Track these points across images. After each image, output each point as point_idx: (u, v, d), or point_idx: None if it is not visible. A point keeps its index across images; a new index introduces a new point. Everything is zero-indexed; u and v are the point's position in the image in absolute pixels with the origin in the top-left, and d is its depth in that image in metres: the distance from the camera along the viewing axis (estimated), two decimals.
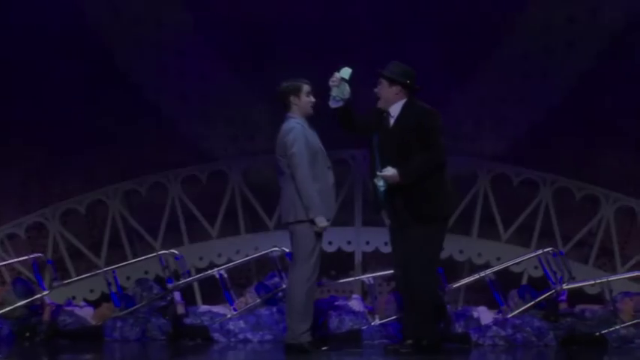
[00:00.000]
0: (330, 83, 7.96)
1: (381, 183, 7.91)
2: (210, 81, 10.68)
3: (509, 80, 10.68)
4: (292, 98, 8.05)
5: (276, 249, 9.47)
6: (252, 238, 10.44)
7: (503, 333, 8.88)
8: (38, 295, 9.38)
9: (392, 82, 7.98)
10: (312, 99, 8.07)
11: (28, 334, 9.12)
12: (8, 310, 9.22)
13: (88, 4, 10.63)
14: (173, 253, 9.68)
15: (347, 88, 7.95)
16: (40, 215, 10.51)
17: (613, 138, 10.58)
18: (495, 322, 9.00)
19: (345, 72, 7.93)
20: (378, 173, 7.91)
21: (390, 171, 7.86)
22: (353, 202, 10.34)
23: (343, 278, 10.15)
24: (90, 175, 10.71)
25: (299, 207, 7.92)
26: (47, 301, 9.44)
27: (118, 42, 10.64)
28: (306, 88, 8.06)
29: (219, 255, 10.42)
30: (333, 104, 7.97)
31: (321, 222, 7.89)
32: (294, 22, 10.49)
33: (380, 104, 8.04)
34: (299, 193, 7.89)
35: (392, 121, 8.00)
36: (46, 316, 9.26)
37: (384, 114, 8.04)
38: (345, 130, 8.13)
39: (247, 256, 10.07)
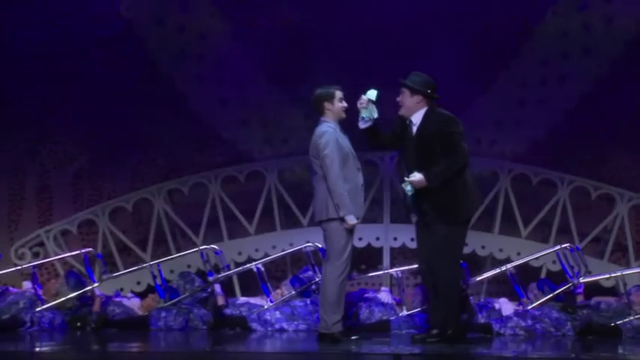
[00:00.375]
0: (359, 105, 7.99)
1: (408, 187, 7.93)
2: (248, 88, 10.70)
3: (529, 85, 10.64)
4: (326, 104, 8.09)
5: (310, 244, 9.52)
6: (287, 234, 10.43)
7: (523, 323, 8.90)
8: (89, 287, 9.48)
9: (413, 91, 8.00)
10: (344, 104, 8.10)
11: (79, 324, 9.16)
12: (61, 301, 9.30)
13: (135, 17, 10.68)
14: (213, 248, 9.76)
15: (374, 108, 7.98)
16: (90, 213, 10.55)
17: (627, 139, 10.54)
18: (516, 313, 9.01)
19: (372, 94, 7.96)
20: (406, 179, 7.95)
21: (416, 176, 7.90)
22: (382, 201, 10.28)
23: (372, 272, 10.14)
24: (136, 176, 10.77)
25: (331, 206, 7.96)
26: (97, 292, 9.54)
27: (163, 52, 10.69)
28: (338, 94, 8.10)
29: (257, 250, 10.41)
30: (362, 125, 8.01)
31: (351, 220, 7.95)
32: (326, 34, 10.50)
33: (402, 112, 8.06)
34: (330, 192, 7.97)
35: (414, 128, 8.04)
36: (96, 307, 9.34)
37: (406, 122, 8.09)
38: (374, 147, 8.19)
39: (283, 251, 10.09)
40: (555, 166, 10.50)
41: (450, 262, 7.98)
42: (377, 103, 7.99)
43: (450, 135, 7.94)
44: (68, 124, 10.70)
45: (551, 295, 9.21)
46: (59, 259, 10.22)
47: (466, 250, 9.54)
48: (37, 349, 7.77)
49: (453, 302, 8.01)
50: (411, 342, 8.09)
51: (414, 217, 8.18)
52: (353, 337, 8.17)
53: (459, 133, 7.97)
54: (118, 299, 9.54)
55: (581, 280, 9.27)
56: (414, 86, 7.99)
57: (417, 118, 8.04)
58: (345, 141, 8.06)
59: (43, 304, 9.30)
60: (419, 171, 7.91)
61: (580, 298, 9.41)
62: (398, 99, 8.06)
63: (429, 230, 8.01)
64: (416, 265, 9.12)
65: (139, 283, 10.32)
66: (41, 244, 10.46)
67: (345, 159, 8.00)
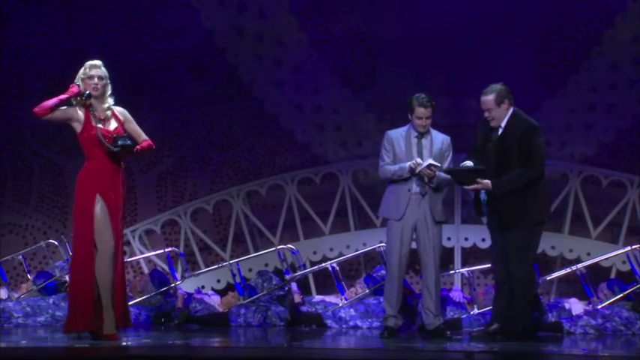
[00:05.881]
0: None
1: (483, 194, 7.89)
2: (323, 93, 10.69)
3: (598, 90, 10.46)
4: (409, 113, 8.12)
5: (383, 244, 9.35)
6: (360, 234, 10.37)
7: (593, 322, 8.78)
8: (172, 285, 9.53)
9: (498, 101, 7.92)
10: (421, 122, 8.03)
11: (163, 320, 9.23)
12: (146, 298, 9.40)
13: (215, 27, 10.74)
14: (290, 247, 9.78)
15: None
16: (173, 213, 10.58)
17: None
18: (586, 312, 8.89)
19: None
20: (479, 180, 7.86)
21: (484, 182, 7.83)
22: (453, 203, 10.18)
23: (444, 272, 9.98)
24: (216, 178, 10.81)
25: (390, 205, 8.05)
26: (180, 290, 9.58)
27: (242, 60, 10.72)
28: (418, 111, 8.01)
29: (331, 249, 10.36)
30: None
31: (414, 164, 7.99)
32: (394, 41, 10.46)
33: (494, 124, 7.95)
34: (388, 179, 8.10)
35: (500, 130, 7.97)
36: (179, 304, 9.38)
37: (490, 125, 8.01)
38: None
39: (357, 250, 10.05)
40: (624, 168, 10.31)
41: (526, 263, 7.91)
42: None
43: (531, 146, 7.82)
44: (150, 128, 10.73)
45: (621, 295, 9.05)
46: (144, 257, 10.28)
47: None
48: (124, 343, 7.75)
49: (526, 301, 7.93)
50: (469, 339, 8.01)
51: (485, 219, 8.08)
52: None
53: (541, 146, 7.86)
54: (199, 296, 9.57)
55: None
56: (497, 99, 7.88)
57: (504, 122, 7.96)
58: (406, 144, 8.03)
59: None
60: (494, 173, 7.81)
61: None
62: (486, 115, 7.95)
63: (503, 232, 7.92)
64: (487, 265, 9.03)
65: (219, 281, 10.33)
66: (127, 243, 10.52)
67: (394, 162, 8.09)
